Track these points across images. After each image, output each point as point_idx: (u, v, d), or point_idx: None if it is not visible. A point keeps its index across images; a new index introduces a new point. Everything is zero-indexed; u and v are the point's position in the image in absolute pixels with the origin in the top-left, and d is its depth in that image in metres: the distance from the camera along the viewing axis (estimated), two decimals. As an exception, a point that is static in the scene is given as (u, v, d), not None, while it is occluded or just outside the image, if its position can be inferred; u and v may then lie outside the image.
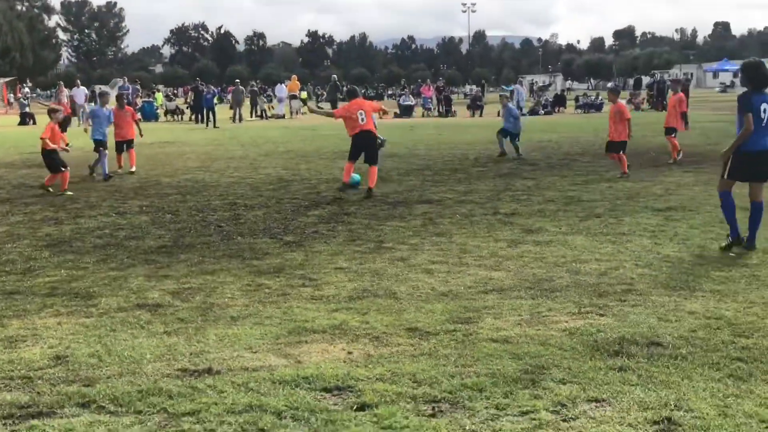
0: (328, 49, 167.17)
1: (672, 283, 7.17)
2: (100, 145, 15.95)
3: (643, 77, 77.06)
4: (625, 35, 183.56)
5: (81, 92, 37.93)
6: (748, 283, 7.11)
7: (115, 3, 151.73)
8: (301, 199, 12.88)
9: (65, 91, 37.83)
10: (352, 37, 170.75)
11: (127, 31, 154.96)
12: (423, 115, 44.43)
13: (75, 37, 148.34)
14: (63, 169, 13.90)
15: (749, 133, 8.22)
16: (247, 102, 43.46)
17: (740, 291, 6.87)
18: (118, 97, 18.71)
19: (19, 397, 4.73)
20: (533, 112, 43.11)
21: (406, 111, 44.11)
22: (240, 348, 5.59)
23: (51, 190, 13.80)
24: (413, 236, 9.62)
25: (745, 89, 8.51)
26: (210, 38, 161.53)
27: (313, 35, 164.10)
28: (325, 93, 56.43)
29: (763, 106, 8.29)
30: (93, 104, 27.31)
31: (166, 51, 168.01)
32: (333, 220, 10.89)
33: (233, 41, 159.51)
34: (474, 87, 78.65)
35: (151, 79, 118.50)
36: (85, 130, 17.90)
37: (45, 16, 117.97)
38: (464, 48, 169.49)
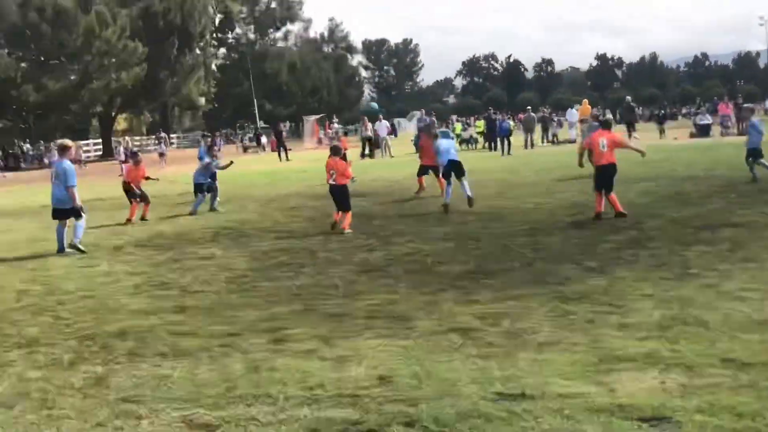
0: (618, 71, 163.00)
1: None
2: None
3: None
4: None
5: (383, 126, 40.37)
6: None
7: (411, 40, 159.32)
8: (600, 225, 12.74)
9: (369, 126, 40.26)
10: (642, 58, 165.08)
11: (422, 65, 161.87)
12: (721, 134, 41.92)
13: (375, 74, 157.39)
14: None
15: None
16: (538, 128, 43.58)
17: None
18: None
19: (349, 415, 5.16)
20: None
21: (702, 131, 41.83)
22: (551, 374, 5.68)
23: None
24: (721, 262, 9.17)
25: None
26: (500, 67, 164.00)
27: (601, 58, 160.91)
28: (618, 115, 55.07)
29: None
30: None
31: (458, 82, 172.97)
32: (634, 245, 10.66)
33: (522, 69, 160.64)
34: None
35: (445, 111, 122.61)
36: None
37: (349, 56, 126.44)
38: (762, 62, 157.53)
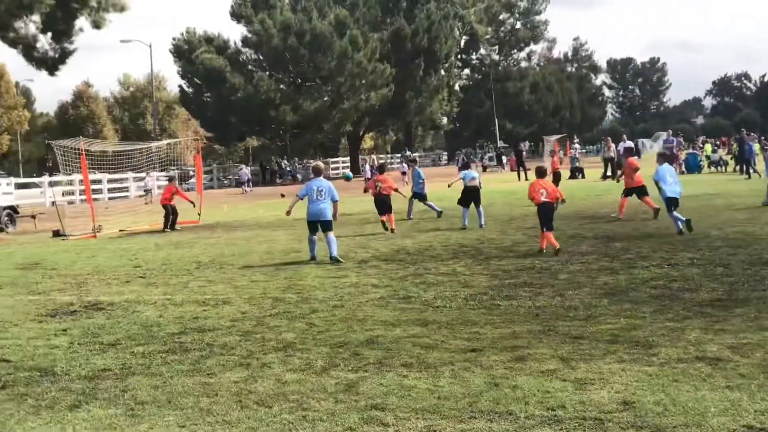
0: None
1: None
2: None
3: None
4: None
5: (628, 146, 39.20)
6: None
7: (658, 59, 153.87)
8: None
9: (612, 147, 39.28)
10: None
11: (669, 85, 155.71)
12: None
13: (619, 93, 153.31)
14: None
15: None
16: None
17: None
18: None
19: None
20: None
21: None
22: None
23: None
24: None
25: None
26: (753, 87, 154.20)
27: None
28: None
29: None
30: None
31: (708, 102, 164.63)
32: None
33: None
34: None
35: (693, 131, 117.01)
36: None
37: (592, 75, 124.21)
38: None
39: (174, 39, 65.23)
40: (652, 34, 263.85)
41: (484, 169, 64.57)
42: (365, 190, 21.29)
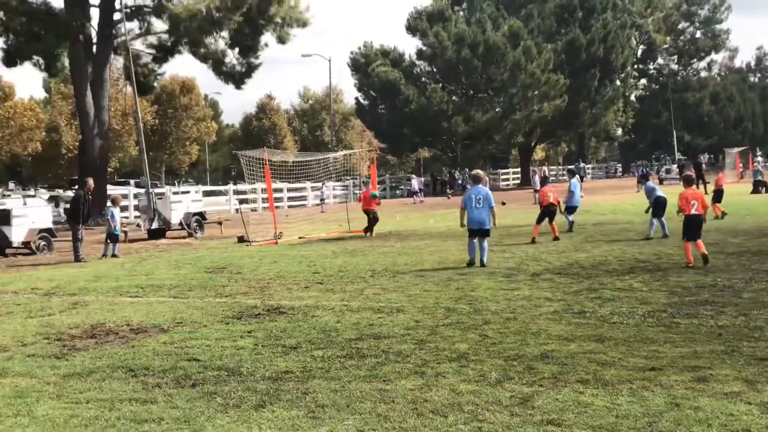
0: None
1: None
2: None
3: None
4: None
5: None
6: None
7: None
8: None
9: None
10: None
11: None
12: None
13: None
14: None
15: None
16: None
17: None
18: None
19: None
20: None
21: None
22: None
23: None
24: None
25: None
26: None
27: None
28: None
29: None
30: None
31: None
32: None
33: None
34: None
35: None
36: None
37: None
38: None
39: (351, 53, 67.20)
40: None
41: (661, 181, 62.35)
42: (540, 202, 21.30)
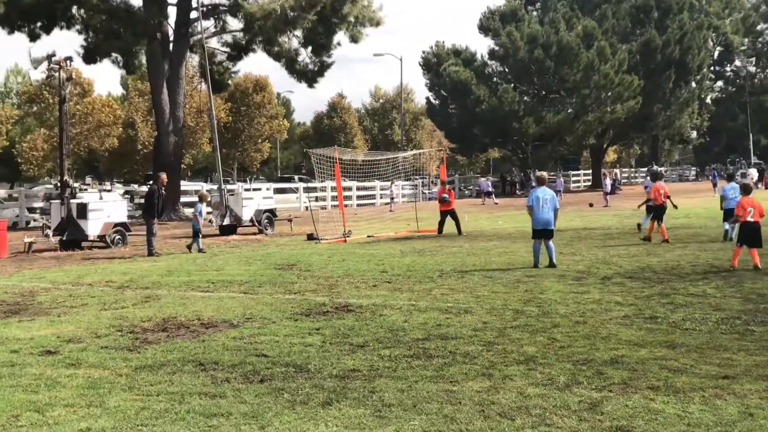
0: None
1: None
2: None
3: None
4: None
5: None
6: None
7: None
8: None
9: None
10: None
11: None
12: None
13: None
14: None
15: None
16: None
17: None
18: None
19: None
20: None
21: None
22: None
23: None
24: None
25: None
26: None
27: None
28: None
29: None
30: None
31: None
32: None
33: None
34: None
35: None
36: None
37: None
38: None
39: (423, 52, 67.09)
40: None
41: (739, 186, 60.74)
42: (653, 199, 20.68)
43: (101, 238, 23.30)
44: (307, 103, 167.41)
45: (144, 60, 42.46)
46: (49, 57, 25.76)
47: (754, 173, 63.27)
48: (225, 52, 43.37)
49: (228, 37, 42.44)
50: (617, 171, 68.14)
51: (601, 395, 6.59)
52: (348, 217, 26.63)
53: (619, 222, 28.06)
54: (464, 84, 61.39)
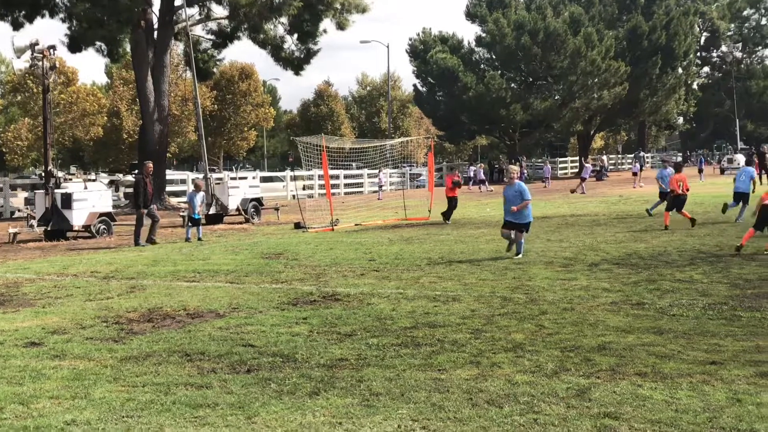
0: None
1: None
2: None
3: None
4: None
5: None
6: None
7: None
8: None
9: None
10: None
11: None
12: None
13: None
14: None
15: None
16: None
17: None
18: None
19: None
20: None
21: None
22: None
23: None
24: None
25: None
26: None
27: None
28: None
29: None
30: None
31: None
32: None
33: None
34: None
35: None
36: None
37: None
38: None
39: (410, 39, 66.99)
40: None
41: (722, 171, 61.11)
42: (671, 192, 20.48)
43: (86, 228, 23.13)
44: (293, 91, 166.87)
45: (128, 48, 42.17)
46: (33, 46, 25.43)
47: (740, 159, 63.53)
48: (210, 39, 43.10)
49: (213, 25, 42.17)
50: (604, 158, 68.18)
51: (588, 382, 6.58)
52: (335, 206, 26.56)
53: (606, 208, 28.08)
54: (451, 71, 61.32)
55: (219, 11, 40.86)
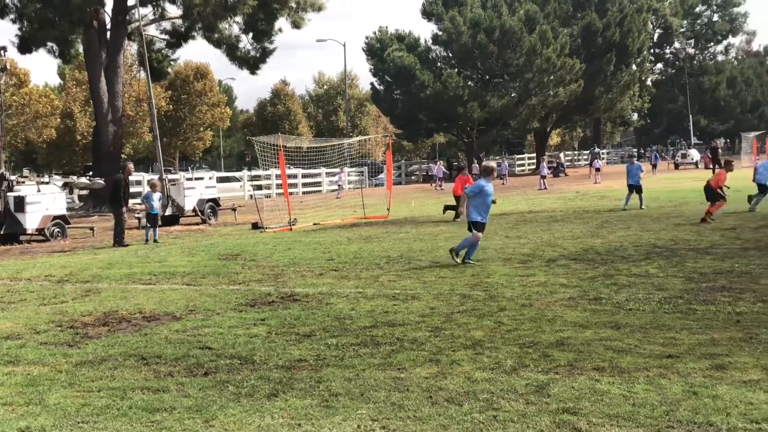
0: None
1: None
2: None
3: None
4: None
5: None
6: None
7: None
8: None
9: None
10: None
11: None
12: None
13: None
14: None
15: None
16: None
17: None
18: None
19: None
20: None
21: None
22: None
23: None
24: None
25: None
26: None
27: None
28: None
29: None
30: None
31: None
32: None
33: None
34: None
35: None
36: None
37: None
38: None
39: (366, 38, 66.88)
40: None
41: (677, 166, 62.04)
42: (717, 186, 20.23)
43: (40, 231, 22.77)
44: (250, 91, 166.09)
45: (81, 49, 41.55)
46: (-18, 47, 25.00)
47: (695, 154, 64.53)
48: (164, 39, 42.71)
49: (167, 24, 41.79)
50: (561, 155, 68.83)
51: (547, 378, 6.61)
52: (294, 205, 26.44)
53: (563, 204, 28.31)
54: (408, 69, 61.39)
55: (173, 11, 40.48)
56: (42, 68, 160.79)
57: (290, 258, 15.94)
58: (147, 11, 39.68)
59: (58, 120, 63.62)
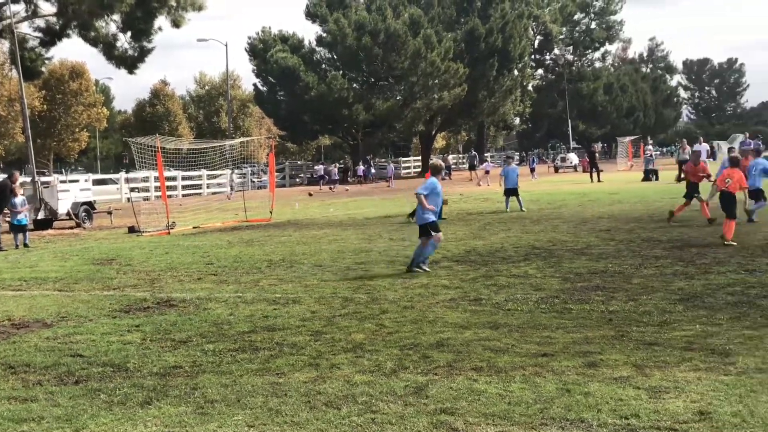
0: None
1: None
2: None
3: None
4: None
5: (703, 149, 38.16)
6: None
7: (736, 59, 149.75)
8: None
9: (687, 148, 38.32)
10: None
11: (747, 86, 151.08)
12: None
13: (695, 94, 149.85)
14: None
15: None
16: None
17: None
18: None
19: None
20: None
21: None
22: None
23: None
24: None
25: None
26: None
27: None
28: None
29: None
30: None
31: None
32: None
33: None
34: None
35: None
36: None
37: (667, 76, 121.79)
38: None
39: (249, 38, 66.13)
40: (729, 34, 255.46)
41: (556, 170, 63.89)
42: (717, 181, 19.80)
43: None
44: (128, 91, 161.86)
45: (-53, 45, 39.52)
46: None
47: (573, 158, 66.58)
48: (37, 37, 40.97)
49: (40, 22, 40.11)
50: (450, 157, 69.87)
51: (426, 379, 6.62)
52: (173, 209, 25.83)
53: (447, 207, 28.60)
54: (292, 71, 61.06)
55: (47, 8, 38.99)
56: None
57: (167, 262, 15.53)
58: (19, 8, 38.07)
59: None
